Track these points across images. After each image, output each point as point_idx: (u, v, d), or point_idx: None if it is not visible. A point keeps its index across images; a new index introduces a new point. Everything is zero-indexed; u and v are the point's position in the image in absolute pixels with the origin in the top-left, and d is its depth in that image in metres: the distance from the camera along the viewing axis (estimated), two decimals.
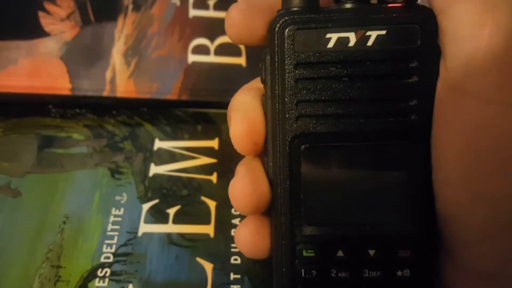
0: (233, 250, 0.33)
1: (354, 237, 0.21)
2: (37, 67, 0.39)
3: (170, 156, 0.38)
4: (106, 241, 0.33)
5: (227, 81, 0.41)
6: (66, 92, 0.39)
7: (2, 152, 0.37)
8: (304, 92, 0.20)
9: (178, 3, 0.44)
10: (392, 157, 0.21)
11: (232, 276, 0.31)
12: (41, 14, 0.41)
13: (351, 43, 0.20)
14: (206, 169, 0.37)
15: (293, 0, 0.20)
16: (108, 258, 0.32)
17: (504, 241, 0.19)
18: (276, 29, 0.20)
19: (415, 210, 0.21)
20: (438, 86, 0.19)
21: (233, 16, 0.22)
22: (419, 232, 0.21)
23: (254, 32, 0.21)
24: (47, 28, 0.41)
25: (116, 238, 0.33)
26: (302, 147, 0.21)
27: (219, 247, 0.33)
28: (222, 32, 0.42)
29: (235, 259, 0.32)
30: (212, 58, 0.42)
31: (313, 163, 0.21)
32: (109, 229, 0.33)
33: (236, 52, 0.42)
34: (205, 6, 0.44)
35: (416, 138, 0.20)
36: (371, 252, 0.21)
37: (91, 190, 0.35)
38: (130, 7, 0.43)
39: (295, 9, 0.20)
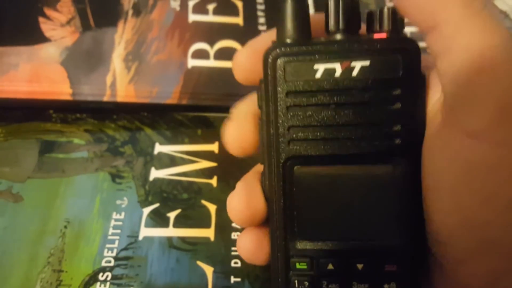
0: (233, 253, 0.33)
1: (344, 252, 0.23)
2: (38, 72, 0.39)
3: (170, 160, 0.38)
4: (107, 245, 0.33)
5: (226, 85, 0.41)
6: (67, 97, 0.39)
7: (3, 157, 0.37)
8: (295, 118, 0.22)
9: (177, 8, 0.44)
10: (377, 178, 0.22)
11: (232, 279, 0.32)
12: (41, 19, 0.42)
13: (338, 73, 0.21)
14: (206, 172, 0.37)
15: (286, 33, 0.22)
16: (109, 262, 0.32)
17: (492, 261, 0.20)
18: (269, 60, 0.21)
19: (400, 228, 0.22)
20: (437, 120, 0.20)
21: (239, 61, 0.24)
22: (404, 248, 0.22)
23: (259, 75, 0.23)
24: (48, 33, 0.41)
25: (117, 242, 0.33)
26: (295, 168, 0.22)
27: (219, 250, 0.33)
28: (222, 36, 0.43)
29: (236, 263, 0.32)
30: (211, 63, 0.42)
31: (305, 183, 0.23)
32: (110, 233, 0.33)
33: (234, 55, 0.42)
34: (205, 11, 0.45)
35: (400, 161, 0.21)
36: (360, 266, 0.22)
37: (92, 195, 0.35)
38: (130, 12, 0.43)
39: (288, 41, 0.22)
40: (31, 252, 0.32)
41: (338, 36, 0.22)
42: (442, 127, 0.20)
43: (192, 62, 0.42)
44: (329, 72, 0.21)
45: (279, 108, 0.22)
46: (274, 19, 0.23)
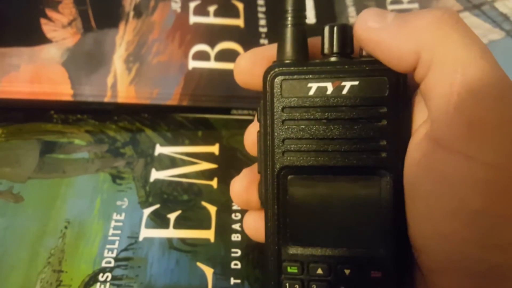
0: (233, 255, 0.33)
1: (332, 257, 0.24)
2: (39, 73, 0.40)
3: (170, 162, 0.38)
4: (107, 246, 0.33)
5: (227, 87, 0.41)
6: (68, 98, 0.39)
7: (4, 157, 0.37)
8: (289, 131, 0.23)
9: (178, 10, 0.45)
10: (365, 188, 0.24)
11: (232, 280, 0.32)
12: (43, 21, 0.42)
13: (329, 91, 0.23)
14: (206, 174, 0.37)
15: (286, 54, 0.24)
16: (109, 262, 0.32)
17: (458, 279, 0.21)
18: (268, 78, 0.24)
19: (385, 237, 0.23)
20: (421, 133, 0.22)
21: (239, 65, 0.26)
22: (388, 256, 0.23)
23: (256, 79, 0.25)
24: (49, 34, 0.41)
25: (117, 242, 0.33)
26: (288, 177, 0.24)
27: (219, 252, 0.33)
28: (222, 38, 0.43)
29: (235, 264, 0.32)
30: (212, 64, 0.42)
31: (297, 191, 0.24)
32: (110, 233, 0.33)
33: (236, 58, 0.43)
34: (206, 13, 0.45)
35: (386, 173, 0.23)
36: (347, 271, 0.24)
37: (92, 195, 0.35)
38: (131, 14, 0.44)
39: (287, 61, 0.24)
40: (32, 252, 0.32)
41: (332, 59, 0.24)
42: (423, 140, 0.21)
43: (192, 64, 0.42)
44: (321, 90, 0.23)
45: (275, 121, 0.24)
46: (276, 41, 0.25)
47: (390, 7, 0.46)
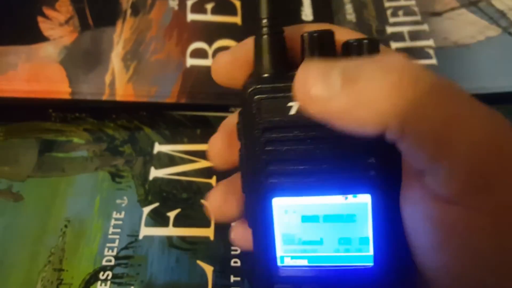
0: (233, 252, 0.33)
1: (325, 278, 0.23)
2: (37, 71, 0.40)
3: (169, 160, 0.38)
4: (108, 244, 0.33)
5: None
6: (66, 96, 0.39)
7: (3, 156, 0.37)
8: (272, 153, 0.22)
9: (176, 7, 0.45)
10: (355, 209, 0.23)
11: (232, 278, 0.32)
12: (40, 19, 0.42)
13: None
14: (205, 172, 0.37)
15: (263, 67, 0.22)
16: (110, 261, 0.32)
17: None
18: (246, 96, 0.22)
19: (377, 255, 0.23)
20: (414, 185, 0.21)
21: (218, 65, 0.24)
22: (381, 275, 0.23)
23: (235, 80, 0.24)
24: (46, 33, 0.41)
25: (117, 241, 0.33)
26: (274, 199, 0.23)
27: (219, 250, 0.33)
28: (220, 36, 0.44)
29: (235, 262, 0.33)
30: (210, 62, 0.42)
31: (284, 214, 0.23)
32: (110, 232, 0.34)
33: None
34: (203, 10, 0.45)
35: (376, 191, 0.22)
36: None
37: (92, 194, 0.36)
38: (129, 11, 0.43)
39: (265, 75, 0.22)
40: (32, 251, 0.32)
41: None
42: (418, 194, 0.20)
43: (190, 62, 0.42)
44: None
45: (256, 143, 0.22)
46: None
47: (387, 3, 0.46)
